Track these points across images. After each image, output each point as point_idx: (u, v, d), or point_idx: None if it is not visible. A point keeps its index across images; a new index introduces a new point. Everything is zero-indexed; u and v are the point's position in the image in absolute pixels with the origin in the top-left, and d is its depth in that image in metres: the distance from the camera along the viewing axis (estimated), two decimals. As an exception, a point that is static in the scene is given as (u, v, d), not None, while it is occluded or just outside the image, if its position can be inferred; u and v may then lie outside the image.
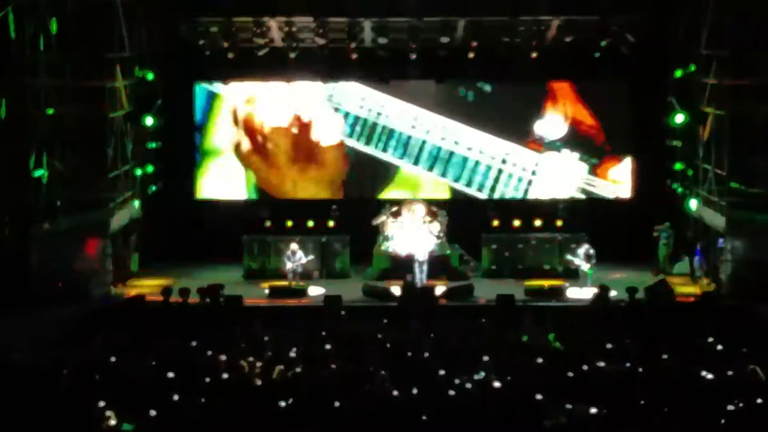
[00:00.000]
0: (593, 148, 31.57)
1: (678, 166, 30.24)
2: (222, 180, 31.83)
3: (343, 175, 32.01)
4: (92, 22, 27.80)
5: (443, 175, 31.62)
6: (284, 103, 31.66)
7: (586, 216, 30.37)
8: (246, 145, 31.80)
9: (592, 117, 31.47)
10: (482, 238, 29.40)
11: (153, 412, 14.70)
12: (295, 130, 31.70)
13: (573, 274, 27.76)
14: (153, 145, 30.89)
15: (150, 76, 29.99)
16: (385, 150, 31.64)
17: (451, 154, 31.50)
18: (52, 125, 27.20)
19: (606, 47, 29.54)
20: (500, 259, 29.32)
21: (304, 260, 27.81)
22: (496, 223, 30.25)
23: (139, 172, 30.02)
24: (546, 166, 31.53)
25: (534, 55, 29.87)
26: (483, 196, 31.59)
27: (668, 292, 24.95)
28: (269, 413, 14.98)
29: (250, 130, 31.77)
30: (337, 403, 15.08)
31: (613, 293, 24.73)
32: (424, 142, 31.50)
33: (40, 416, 14.85)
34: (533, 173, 31.57)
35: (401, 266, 27.43)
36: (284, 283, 27.51)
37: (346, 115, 31.64)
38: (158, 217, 30.97)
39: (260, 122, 31.73)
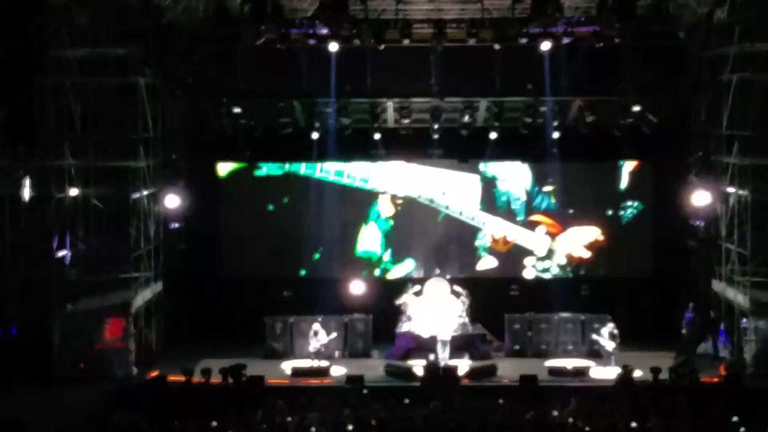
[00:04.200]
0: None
1: (701, 245, 30.14)
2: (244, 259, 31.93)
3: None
4: (116, 104, 28.10)
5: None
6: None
7: (608, 295, 30.27)
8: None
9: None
10: (505, 318, 29.28)
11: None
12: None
13: (597, 354, 27.62)
14: (176, 224, 30.99)
15: (173, 156, 30.24)
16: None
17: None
18: (76, 205, 27.43)
19: (627, 127, 29.63)
20: (523, 339, 29.18)
21: (326, 340, 27.80)
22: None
23: (161, 251, 30.09)
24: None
25: (556, 135, 30.00)
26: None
27: (692, 372, 24.82)
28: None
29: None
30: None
31: (637, 373, 24.61)
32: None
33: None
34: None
35: (424, 346, 27.46)
36: (306, 362, 27.46)
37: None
38: (181, 297, 31.00)
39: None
